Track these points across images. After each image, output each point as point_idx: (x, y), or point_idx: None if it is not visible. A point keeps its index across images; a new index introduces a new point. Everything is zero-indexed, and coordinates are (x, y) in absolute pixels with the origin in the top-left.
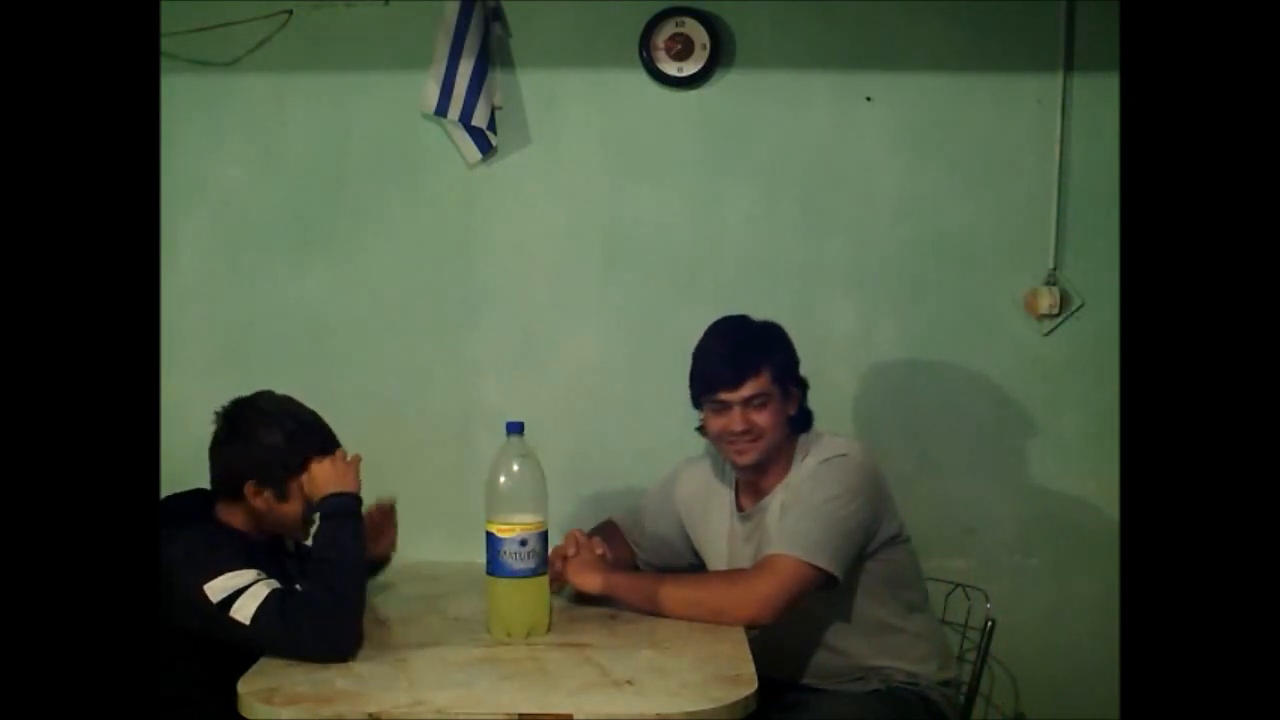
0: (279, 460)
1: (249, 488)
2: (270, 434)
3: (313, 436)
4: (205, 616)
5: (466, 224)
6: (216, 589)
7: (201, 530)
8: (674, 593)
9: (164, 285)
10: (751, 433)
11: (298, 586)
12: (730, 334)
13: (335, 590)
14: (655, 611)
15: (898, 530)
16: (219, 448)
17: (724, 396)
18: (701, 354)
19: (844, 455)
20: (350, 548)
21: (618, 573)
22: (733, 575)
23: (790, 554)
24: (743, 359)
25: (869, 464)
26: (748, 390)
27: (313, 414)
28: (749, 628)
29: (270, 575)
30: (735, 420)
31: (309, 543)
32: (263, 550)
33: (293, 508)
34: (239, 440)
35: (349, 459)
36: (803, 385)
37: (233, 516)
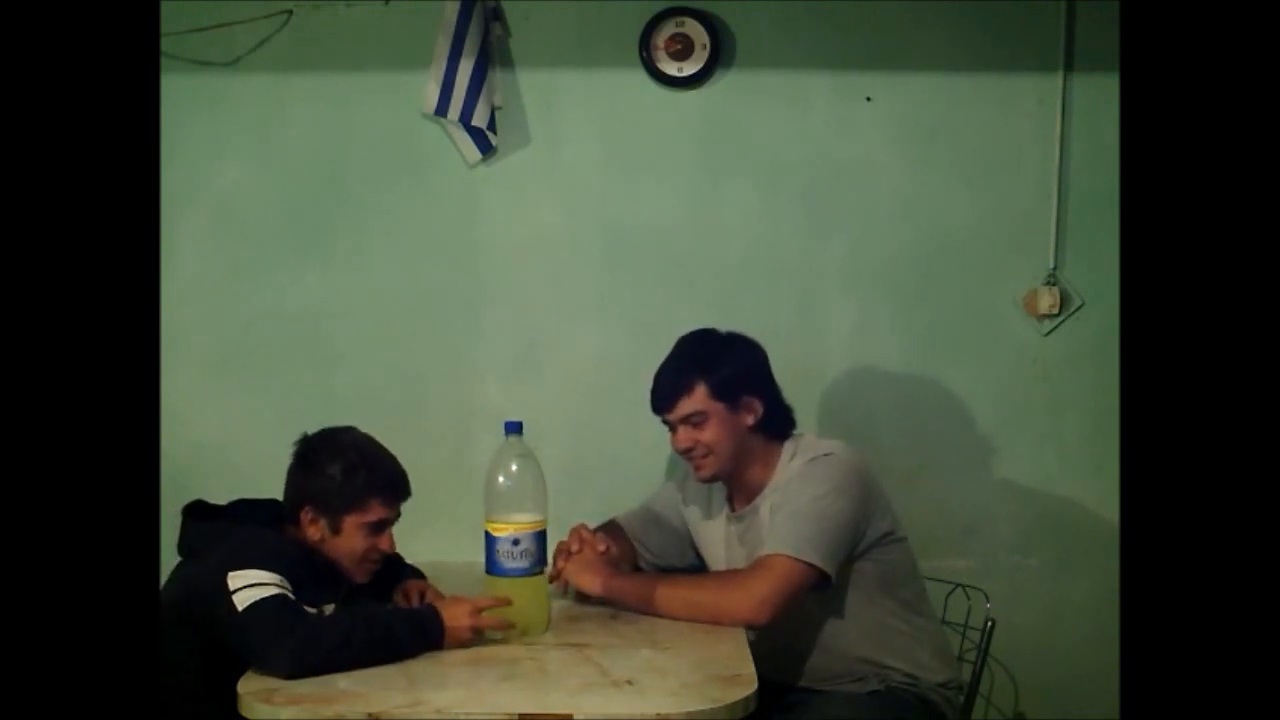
0: (334, 492)
1: (304, 514)
2: (332, 465)
3: (376, 478)
4: (216, 593)
5: (466, 224)
6: (239, 577)
7: (264, 532)
8: (671, 594)
9: (164, 285)
10: (697, 450)
11: (323, 609)
12: (672, 354)
13: (344, 643)
14: (653, 612)
15: (890, 528)
16: (290, 472)
17: (663, 417)
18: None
19: (829, 454)
20: (389, 641)
21: (617, 575)
22: (728, 576)
23: (782, 553)
24: (670, 381)
25: (856, 462)
26: (683, 409)
27: (390, 459)
28: (748, 629)
29: (311, 595)
30: (680, 438)
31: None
32: (314, 569)
33: (346, 543)
34: (304, 467)
35: (482, 609)
36: (765, 393)
37: (298, 536)
